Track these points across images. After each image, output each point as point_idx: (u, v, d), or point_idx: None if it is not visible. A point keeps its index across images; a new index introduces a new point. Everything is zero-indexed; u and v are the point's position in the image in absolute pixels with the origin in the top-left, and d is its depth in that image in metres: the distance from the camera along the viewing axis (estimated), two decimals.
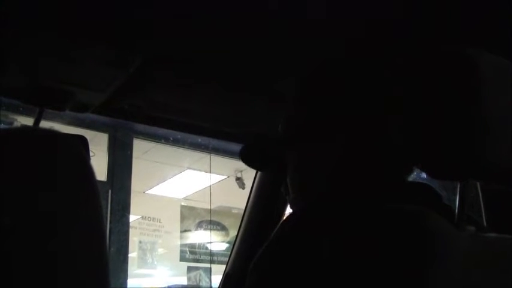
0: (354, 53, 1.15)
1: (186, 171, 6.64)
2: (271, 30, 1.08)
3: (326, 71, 1.05)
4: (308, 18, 1.04)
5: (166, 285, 7.02)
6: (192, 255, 6.95)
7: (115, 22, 1.06)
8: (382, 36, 1.10)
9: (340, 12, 1.03)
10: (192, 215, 7.04)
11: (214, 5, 1.00)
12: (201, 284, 6.83)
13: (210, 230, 7.04)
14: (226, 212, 7.18)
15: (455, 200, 0.85)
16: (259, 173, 1.88)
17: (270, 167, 1.34)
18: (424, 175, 0.92)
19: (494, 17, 1.04)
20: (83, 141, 1.11)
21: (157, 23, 1.07)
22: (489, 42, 1.04)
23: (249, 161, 1.18)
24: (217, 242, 7.16)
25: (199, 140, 5.70)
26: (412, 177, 1.02)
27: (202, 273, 6.90)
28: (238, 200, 5.08)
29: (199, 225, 7.06)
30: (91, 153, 1.10)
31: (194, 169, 6.55)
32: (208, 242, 7.05)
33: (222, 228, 7.20)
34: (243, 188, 6.30)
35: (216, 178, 6.51)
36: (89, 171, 0.59)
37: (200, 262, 6.95)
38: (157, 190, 6.97)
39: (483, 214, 1.37)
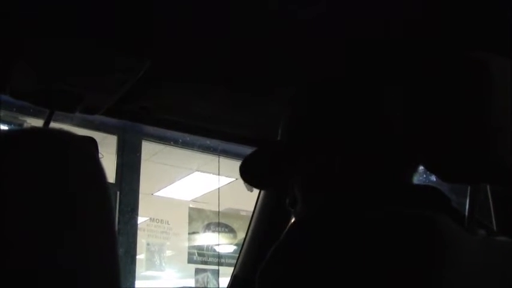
0: (355, 54, 1.14)
1: (194, 173, 6.65)
2: (273, 31, 1.08)
3: (326, 78, 1.05)
4: (309, 18, 1.04)
5: (174, 287, 7.02)
6: (200, 257, 6.95)
7: (124, 25, 1.06)
8: (385, 38, 1.10)
9: (341, 14, 1.02)
10: (200, 217, 7.04)
11: (218, 7, 1.01)
12: (208, 286, 6.82)
13: (218, 232, 7.04)
14: (234, 214, 7.18)
15: (464, 204, 0.85)
16: None
17: (271, 183, 1.28)
18: (433, 178, 0.92)
19: (497, 18, 1.03)
20: (92, 143, 1.11)
21: (165, 26, 1.07)
22: (495, 43, 1.04)
23: (249, 178, 1.15)
24: (225, 244, 7.16)
25: (208, 142, 5.70)
26: (421, 180, 1.02)
27: (210, 275, 6.90)
28: (247, 202, 5.07)
29: (207, 228, 7.05)
30: (100, 155, 1.10)
31: (203, 171, 6.55)
32: (216, 244, 7.05)
33: (230, 230, 7.20)
34: (251, 191, 6.29)
35: (224, 180, 6.51)
36: (100, 172, 0.59)
37: (208, 264, 6.94)
38: (165, 192, 6.98)
39: (493, 218, 1.37)
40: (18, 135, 0.59)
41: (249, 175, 1.14)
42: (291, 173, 1.04)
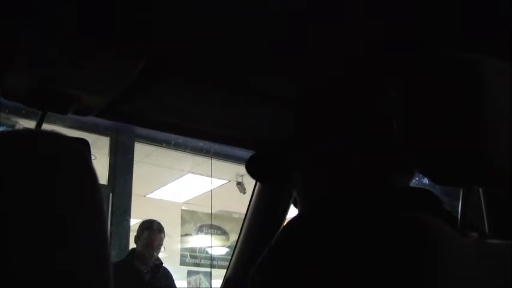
0: (354, 54, 1.14)
1: (187, 175, 6.64)
2: (271, 32, 1.08)
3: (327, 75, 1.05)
4: (308, 18, 1.04)
5: None
6: (193, 259, 6.94)
7: (118, 25, 1.06)
8: (383, 39, 1.10)
9: (341, 13, 1.02)
10: (193, 219, 7.04)
11: (216, 7, 1.00)
12: None
13: (211, 234, 7.04)
14: (227, 216, 7.18)
15: (457, 206, 0.85)
16: None
17: (274, 179, 1.34)
18: (426, 180, 0.92)
19: (497, 19, 1.04)
20: (84, 145, 1.11)
21: (161, 26, 1.07)
22: (492, 45, 1.04)
23: (254, 173, 1.19)
24: (218, 247, 7.16)
25: (201, 144, 5.71)
26: (414, 182, 1.02)
27: (202, 277, 6.90)
28: (239, 204, 5.08)
29: (199, 230, 7.05)
30: (93, 157, 1.10)
31: (195, 173, 6.55)
32: (208, 246, 7.05)
33: (223, 232, 7.20)
34: (244, 193, 6.31)
35: (217, 182, 6.51)
36: (92, 174, 0.59)
37: (200, 266, 6.94)
38: (158, 194, 6.97)
39: (485, 220, 1.37)
40: (10, 137, 0.59)
41: (255, 169, 1.16)
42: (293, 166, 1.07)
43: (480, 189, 1.35)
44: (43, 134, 0.61)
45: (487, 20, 1.04)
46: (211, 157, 6.07)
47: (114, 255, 5.11)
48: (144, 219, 4.20)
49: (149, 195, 6.90)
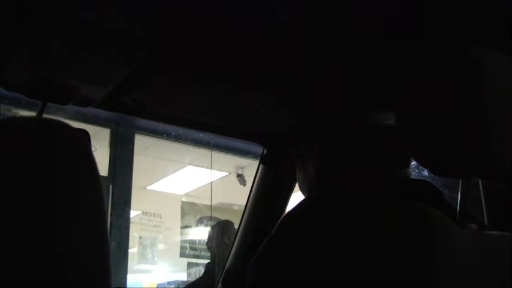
0: (354, 52, 1.14)
1: (187, 167, 6.64)
2: (271, 29, 1.08)
3: (324, 71, 1.06)
4: (308, 17, 1.04)
5: (166, 281, 7.03)
6: (192, 251, 6.94)
7: (119, 17, 1.06)
8: (383, 36, 1.10)
9: (341, 12, 1.02)
10: (193, 211, 7.04)
11: (217, 4, 1.00)
12: None
13: (211, 226, 7.04)
14: (226, 208, 7.18)
15: (456, 198, 0.85)
16: (260, 170, 1.89)
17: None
18: (426, 172, 0.93)
19: (497, 15, 1.04)
20: (85, 135, 1.11)
21: (161, 19, 1.07)
22: (493, 39, 1.04)
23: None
24: None
25: (201, 136, 5.70)
26: (414, 174, 1.02)
27: (202, 269, 6.90)
28: (239, 196, 5.08)
29: (199, 222, 7.05)
30: (93, 148, 1.10)
31: (195, 165, 6.55)
32: None
33: None
34: (244, 185, 6.31)
35: (217, 175, 6.50)
36: (92, 164, 0.59)
37: (200, 258, 6.94)
38: (158, 186, 6.96)
39: (484, 212, 1.37)
40: (11, 123, 0.59)
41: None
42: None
43: (479, 181, 1.36)
44: (44, 122, 0.61)
45: (487, 20, 1.04)
46: (212, 149, 6.07)
47: (114, 246, 5.13)
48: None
49: (149, 187, 6.90)
